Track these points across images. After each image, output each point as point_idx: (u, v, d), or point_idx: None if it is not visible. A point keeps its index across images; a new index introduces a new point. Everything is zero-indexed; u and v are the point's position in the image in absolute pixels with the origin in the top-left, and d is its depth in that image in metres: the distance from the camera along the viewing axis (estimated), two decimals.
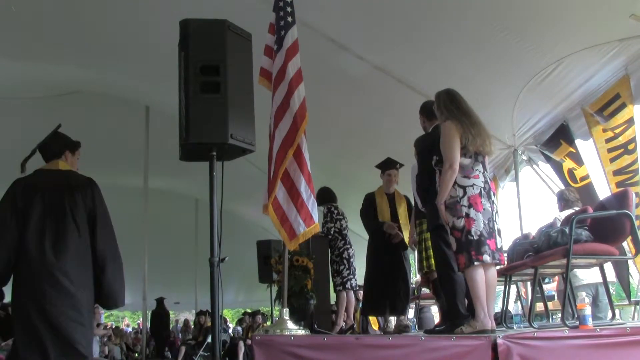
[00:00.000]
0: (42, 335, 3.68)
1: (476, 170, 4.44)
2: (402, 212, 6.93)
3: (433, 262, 5.80)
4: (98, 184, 4.27)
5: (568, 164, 7.36)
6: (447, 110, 4.60)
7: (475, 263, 4.25)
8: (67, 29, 8.03)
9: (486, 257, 4.26)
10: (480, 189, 4.38)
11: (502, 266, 4.96)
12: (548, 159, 7.82)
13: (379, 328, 9.85)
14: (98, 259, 3.99)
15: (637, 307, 7.31)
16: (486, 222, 4.32)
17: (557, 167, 7.65)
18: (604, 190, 6.71)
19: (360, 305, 8.09)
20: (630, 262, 6.34)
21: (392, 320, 6.77)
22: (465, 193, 4.35)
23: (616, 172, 6.34)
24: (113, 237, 4.18)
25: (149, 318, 13.72)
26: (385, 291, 6.59)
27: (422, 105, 5.47)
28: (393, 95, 8.18)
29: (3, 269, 3.83)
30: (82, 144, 4.93)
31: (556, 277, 7.28)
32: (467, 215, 4.30)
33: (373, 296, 6.74)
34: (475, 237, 4.28)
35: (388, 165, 7.05)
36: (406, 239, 6.74)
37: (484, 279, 4.30)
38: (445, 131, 4.51)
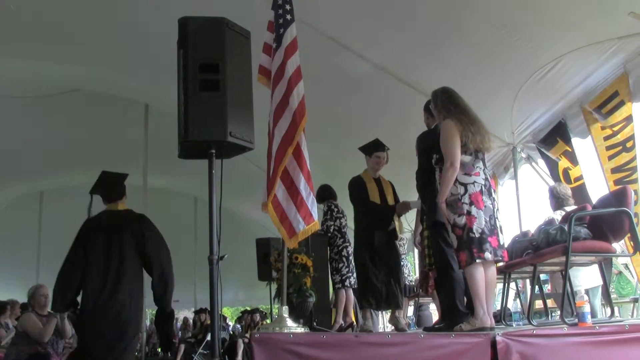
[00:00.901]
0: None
1: (477, 167, 4.44)
2: (391, 198, 6.56)
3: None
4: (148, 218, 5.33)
5: (564, 163, 7.36)
6: (445, 109, 4.61)
7: (477, 261, 4.26)
8: (67, 28, 8.02)
9: (488, 255, 4.27)
10: (481, 187, 4.39)
11: (504, 263, 4.97)
12: (544, 157, 7.82)
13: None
14: (153, 273, 5.17)
15: (636, 304, 7.34)
16: (487, 219, 4.33)
17: (553, 166, 7.65)
18: (598, 190, 6.71)
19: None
20: (628, 260, 6.36)
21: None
22: (466, 191, 4.36)
23: (614, 170, 6.34)
24: (164, 254, 5.29)
25: (147, 316, 13.72)
26: (379, 285, 6.22)
27: (427, 103, 5.49)
28: (393, 94, 8.18)
29: (75, 290, 4.96)
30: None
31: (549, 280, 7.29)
32: (469, 212, 4.31)
33: (368, 287, 6.26)
34: (477, 235, 4.28)
35: (377, 147, 6.60)
36: (397, 229, 6.53)
37: (484, 276, 4.30)
38: (444, 130, 4.51)
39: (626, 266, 7.43)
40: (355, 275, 7.74)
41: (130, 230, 5.01)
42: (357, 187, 6.52)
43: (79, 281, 4.92)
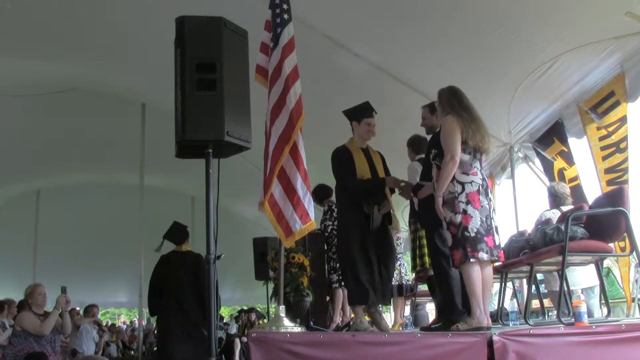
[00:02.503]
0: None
1: (474, 167, 4.46)
2: (381, 171, 5.73)
3: (427, 260, 5.79)
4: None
5: (559, 163, 7.38)
6: (448, 105, 4.63)
7: (471, 260, 4.27)
8: (64, 27, 8.01)
9: (482, 255, 4.27)
10: (479, 186, 4.40)
11: (500, 263, 4.98)
12: (540, 157, 7.83)
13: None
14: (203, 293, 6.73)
15: (632, 304, 7.34)
16: (484, 219, 4.34)
17: (548, 166, 7.67)
18: (593, 190, 6.74)
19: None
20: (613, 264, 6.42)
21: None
22: (463, 189, 4.37)
23: (607, 170, 6.37)
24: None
25: (144, 315, 13.71)
26: (370, 277, 5.40)
27: (430, 104, 5.51)
28: (389, 93, 8.17)
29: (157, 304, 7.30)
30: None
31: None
32: (465, 211, 4.32)
33: (359, 280, 5.36)
34: (472, 234, 4.29)
35: (367, 111, 5.70)
36: (392, 215, 5.76)
37: (480, 275, 4.31)
38: (445, 125, 4.54)
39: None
40: None
41: (191, 266, 7.08)
42: (341, 159, 5.67)
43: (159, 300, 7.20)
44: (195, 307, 6.90)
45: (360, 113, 5.69)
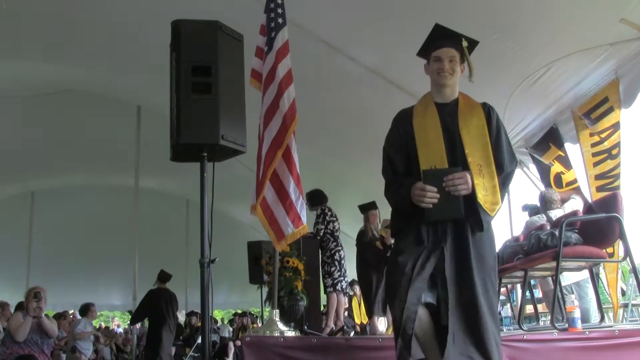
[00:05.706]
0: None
1: None
2: (472, 141, 3.36)
3: None
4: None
5: (556, 167, 7.40)
6: None
7: None
8: (60, 28, 8.00)
9: None
10: None
11: None
12: (536, 162, 7.85)
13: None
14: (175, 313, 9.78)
15: (626, 309, 7.36)
16: None
17: (544, 171, 7.68)
18: (586, 194, 6.77)
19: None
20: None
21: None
22: None
23: (598, 177, 6.41)
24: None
25: None
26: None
27: None
28: (385, 97, 8.18)
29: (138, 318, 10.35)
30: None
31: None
32: None
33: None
34: None
35: (433, 41, 3.68)
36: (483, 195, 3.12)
37: None
38: None
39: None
40: (346, 279, 7.73)
41: (172, 299, 9.61)
42: (391, 129, 3.76)
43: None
44: (172, 322, 9.75)
45: (427, 44, 3.71)
